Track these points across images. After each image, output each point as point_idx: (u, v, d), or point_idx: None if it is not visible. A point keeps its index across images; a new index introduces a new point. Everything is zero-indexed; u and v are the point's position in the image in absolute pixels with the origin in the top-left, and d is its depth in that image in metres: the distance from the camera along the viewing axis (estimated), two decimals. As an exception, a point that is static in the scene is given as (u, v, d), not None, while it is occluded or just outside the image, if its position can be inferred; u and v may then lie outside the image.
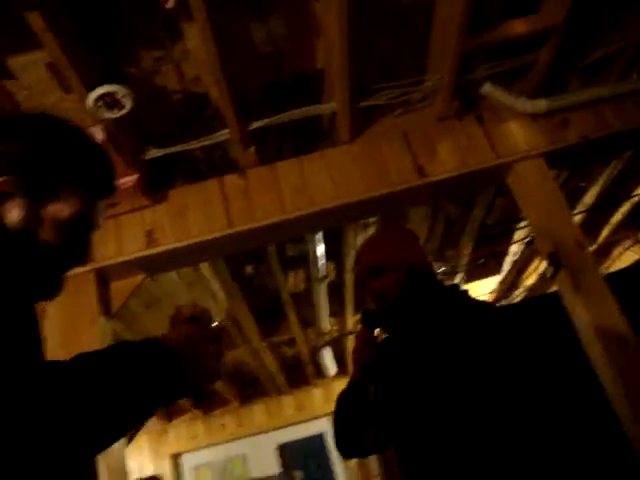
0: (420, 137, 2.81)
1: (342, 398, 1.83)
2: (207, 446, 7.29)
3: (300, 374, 6.80)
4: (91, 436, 0.76)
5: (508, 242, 4.64)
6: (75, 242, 1.02)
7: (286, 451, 7.56)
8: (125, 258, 2.65)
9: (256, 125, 2.55)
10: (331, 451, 7.12)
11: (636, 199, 4.39)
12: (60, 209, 0.99)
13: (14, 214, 0.94)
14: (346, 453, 1.87)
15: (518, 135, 2.79)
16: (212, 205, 2.73)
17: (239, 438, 7.34)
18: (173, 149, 2.55)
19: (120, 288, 2.76)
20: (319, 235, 3.45)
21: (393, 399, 1.66)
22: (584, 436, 1.63)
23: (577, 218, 4.22)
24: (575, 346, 2.47)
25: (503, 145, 2.77)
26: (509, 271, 5.17)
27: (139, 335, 3.97)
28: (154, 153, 2.54)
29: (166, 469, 7.01)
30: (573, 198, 4.07)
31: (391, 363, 1.70)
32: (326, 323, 5.01)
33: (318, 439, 7.24)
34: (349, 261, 3.86)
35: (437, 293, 1.71)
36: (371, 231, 3.66)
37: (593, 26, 2.62)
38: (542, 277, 5.13)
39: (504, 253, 4.85)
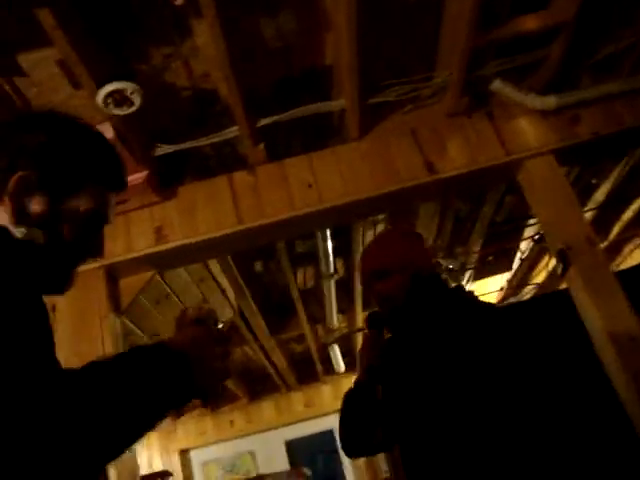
0: (429, 134, 2.79)
1: (348, 398, 1.83)
2: (216, 442, 7.33)
3: (309, 371, 6.81)
4: (105, 445, 0.76)
5: (518, 239, 4.62)
6: (91, 236, 1.03)
7: (295, 447, 7.58)
8: (134, 255, 2.66)
9: (265, 122, 2.55)
10: (340, 447, 7.13)
11: (647, 196, 4.36)
12: (79, 203, 0.99)
13: (34, 209, 0.95)
14: (351, 453, 1.87)
15: (528, 132, 2.77)
16: (221, 202, 2.73)
17: (248, 434, 7.38)
18: (182, 146, 2.55)
19: (129, 284, 2.77)
20: (328, 232, 3.45)
21: (398, 400, 1.66)
22: (594, 436, 1.62)
23: (588, 215, 4.20)
24: (585, 343, 2.46)
25: (513, 142, 2.75)
26: (519, 268, 5.15)
27: (148, 331, 3.99)
28: (163, 150, 2.54)
29: (175, 465, 7.05)
30: (584, 195, 4.04)
31: (396, 364, 1.70)
32: (335, 320, 5.01)
33: (327, 435, 7.26)
34: (358, 258, 3.85)
35: (442, 295, 1.70)
36: (380, 228, 3.66)
37: (604, 22, 2.60)
38: (552, 274, 5.10)
39: (514, 250, 4.83)
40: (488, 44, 2.50)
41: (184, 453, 7.30)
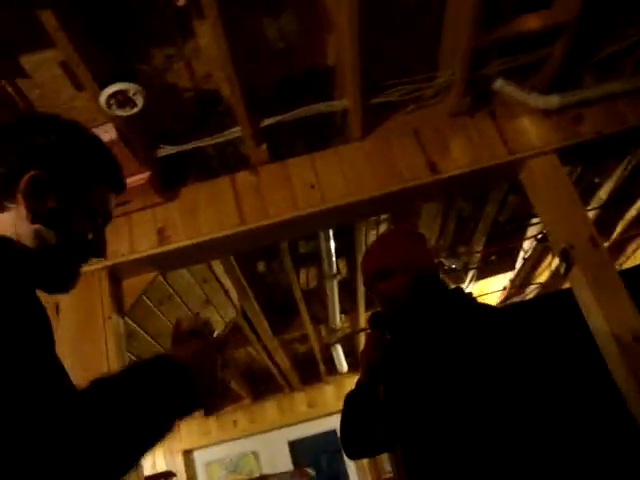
0: (432, 133, 2.79)
1: (349, 399, 1.83)
2: (219, 442, 7.34)
3: (312, 371, 6.82)
4: (113, 461, 0.76)
5: (520, 239, 4.61)
6: (96, 235, 1.04)
7: (298, 447, 7.58)
8: (137, 256, 2.66)
9: (268, 122, 2.55)
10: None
11: (651, 195, 4.35)
12: (88, 203, 1.01)
13: (48, 209, 0.95)
14: (352, 454, 1.87)
15: (531, 131, 2.77)
16: (224, 202, 2.73)
17: (251, 435, 7.38)
18: (185, 146, 2.55)
19: (132, 285, 2.77)
20: (331, 232, 3.45)
21: (399, 400, 1.66)
22: (598, 436, 1.62)
23: (591, 214, 4.19)
24: (588, 343, 2.45)
25: (516, 141, 2.75)
26: (521, 268, 5.14)
27: (151, 332, 3.99)
28: (166, 150, 2.55)
29: (178, 465, 7.06)
30: (587, 194, 4.04)
31: (397, 364, 1.69)
32: (338, 320, 5.01)
33: (330, 435, 7.25)
34: (360, 258, 3.85)
35: (444, 296, 1.71)
36: (383, 228, 3.66)
37: (607, 21, 2.59)
38: (555, 274, 5.09)
39: (517, 250, 4.83)
40: (490, 43, 2.49)
41: (187, 453, 7.31)
